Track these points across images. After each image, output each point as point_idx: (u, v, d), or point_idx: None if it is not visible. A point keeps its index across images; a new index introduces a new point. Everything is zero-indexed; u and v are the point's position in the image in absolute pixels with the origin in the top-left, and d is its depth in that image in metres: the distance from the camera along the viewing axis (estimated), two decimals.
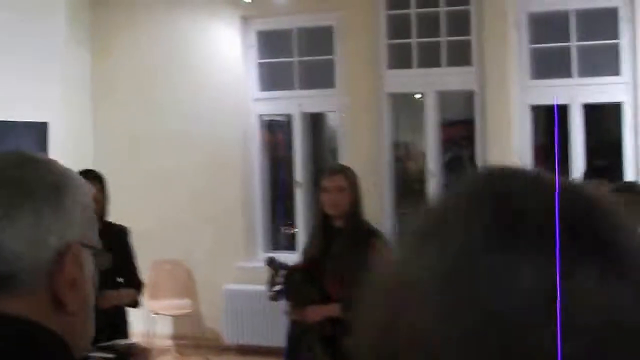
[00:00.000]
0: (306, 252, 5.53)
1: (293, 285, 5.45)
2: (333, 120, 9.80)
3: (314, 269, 5.35)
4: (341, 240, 5.29)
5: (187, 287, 9.45)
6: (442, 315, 0.75)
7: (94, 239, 1.48)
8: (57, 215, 1.40)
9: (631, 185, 5.83)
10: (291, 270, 5.51)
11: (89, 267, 1.45)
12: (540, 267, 0.74)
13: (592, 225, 0.78)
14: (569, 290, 0.74)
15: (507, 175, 0.83)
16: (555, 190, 0.79)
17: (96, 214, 1.51)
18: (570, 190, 0.81)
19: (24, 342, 1.36)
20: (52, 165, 1.48)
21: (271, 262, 5.59)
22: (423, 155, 8.91)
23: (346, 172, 5.53)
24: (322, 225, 5.44)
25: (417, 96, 9.08)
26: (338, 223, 5.37)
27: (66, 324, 1.41)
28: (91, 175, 5.50)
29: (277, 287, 5.51)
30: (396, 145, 9.39)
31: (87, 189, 1.50)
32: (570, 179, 0.87)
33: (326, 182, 5.44)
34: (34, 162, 1.47)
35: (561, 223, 0.77)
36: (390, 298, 0.80)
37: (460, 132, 9.36)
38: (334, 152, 9.47)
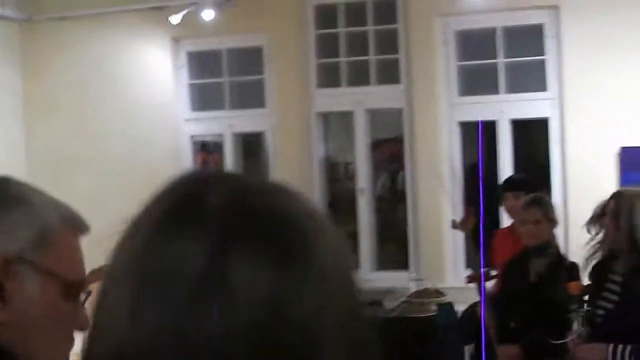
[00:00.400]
0: None
1: None
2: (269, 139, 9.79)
3: None
4: None
5: None
6: (133, 293, 0.85)
7: (58, 265, 1.50)
8: None
9: (539, 199, 5.87)
10: None
11: (34, 285, 1.45)
12: (200, 250, 0.81)
13: (263, 218, 0.84)
14: (230, 273, 0.80)
15: (194, 174, 0.94)
16: (240, 185, 0.87)
17: None
18: (256, 186, 0.88)
19: None
20: (6, 183, 1.53)
21: None
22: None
23: None
24: None
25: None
26: None
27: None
28: None
29: None
30: (334, 165, 9.41)
31: (56, 212, 1.56)
32: (265, 177, 0.93)
33: None
34: None
35: (240, 213, 0.84)
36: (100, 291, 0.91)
37: (391, 150, 9.39)
38: (269, 171, 9.45)
